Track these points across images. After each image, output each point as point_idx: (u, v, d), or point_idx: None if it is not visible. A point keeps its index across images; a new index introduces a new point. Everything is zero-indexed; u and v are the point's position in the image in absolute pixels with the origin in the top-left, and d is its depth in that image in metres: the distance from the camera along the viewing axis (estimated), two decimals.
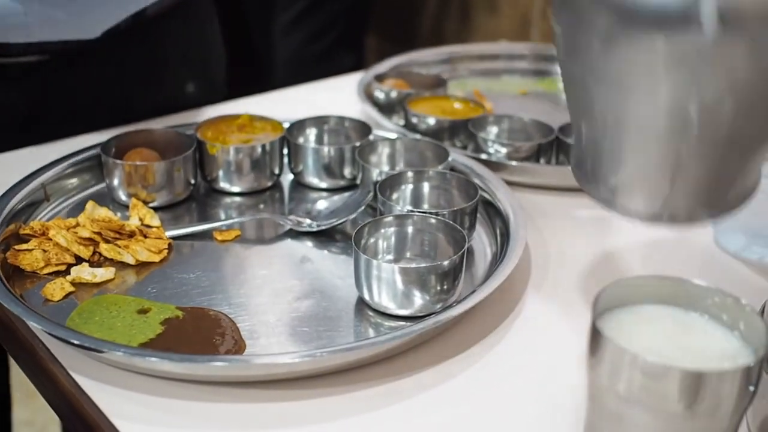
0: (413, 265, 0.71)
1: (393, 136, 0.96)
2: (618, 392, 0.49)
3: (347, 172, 0.92)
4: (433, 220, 0.76)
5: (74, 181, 0.89)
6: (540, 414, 0.62)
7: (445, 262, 0.69)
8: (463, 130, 1.02)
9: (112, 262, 0.77)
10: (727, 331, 0.52)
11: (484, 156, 0.95)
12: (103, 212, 0.82)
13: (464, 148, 1.01)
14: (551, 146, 0.98)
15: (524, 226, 0.79)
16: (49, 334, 0.63)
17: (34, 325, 0.64)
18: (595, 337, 0.50)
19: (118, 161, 0.85)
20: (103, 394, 0.62)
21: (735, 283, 0.79)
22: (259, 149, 0.89)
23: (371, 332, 0.69)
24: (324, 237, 0.83)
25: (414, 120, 1.03)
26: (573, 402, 0.61)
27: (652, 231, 0.88)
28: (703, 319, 0.53)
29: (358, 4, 2.14)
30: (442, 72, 1.30)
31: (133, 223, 0.80)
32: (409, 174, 0.85)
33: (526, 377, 0.66)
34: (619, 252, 0.85)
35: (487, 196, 0.87)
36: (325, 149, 0.91)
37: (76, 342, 0.62)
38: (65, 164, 0.88)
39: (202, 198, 0.91)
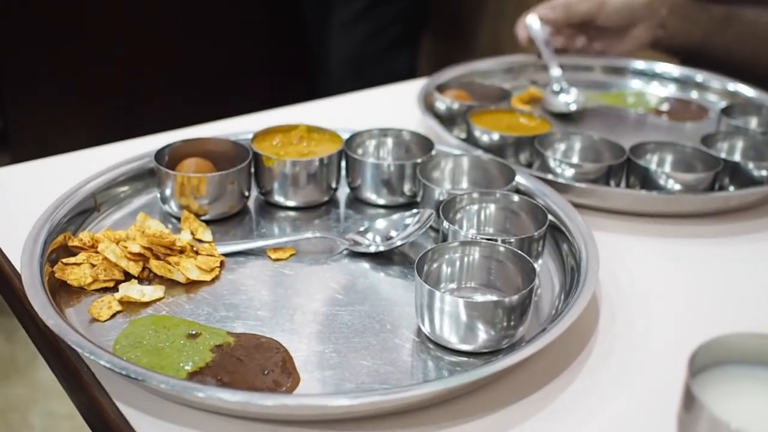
0: (480, 299, 0.66)
1: (456, 152, 0.91)
2: None
3: (407, 188, 0.88)
4: (501, 248, 0.71)
5: (126, 189, 0.86)
6: None
7: (514, 297, 0.64)
8: (529, 147, 0.97)
9: (161, 279, 0.74)
10: None
11: (550, 176, 0.90)
12: (154, 225, 0.79)
13: (529, 165, 0.96)
14: (622, 168, 0.92)
15: (596, 259, 0.74)
16: (95, 360, 0.60)
17: (79, 350, 0.61)
18: (690, 400, 0.45)
19: (171, 171, 0.82)
20: (149, 427, 0.58)
21: None
22: (317, 163, 0.85)
23: (431, 368, 0.65)
24: (382, 258, 0.79)
25: (477, 134, 0.99)
26: None
27: (729, 263, 0.83)
28: None
29: (418, 3, 2.09)
30: (503, 82, 1.25)
31: (185, 238, 0.77)
32: (474, 195, 0.80)
33: (599, 426, 0.61)
34: (694, 282, 0.80)
35: (554, 220, 0.82)
36: (385, 164, 0.87)
37: (121, 372, 0.59)
38: (117, 172, 0.86)
39: (255, 211, 0.87)
